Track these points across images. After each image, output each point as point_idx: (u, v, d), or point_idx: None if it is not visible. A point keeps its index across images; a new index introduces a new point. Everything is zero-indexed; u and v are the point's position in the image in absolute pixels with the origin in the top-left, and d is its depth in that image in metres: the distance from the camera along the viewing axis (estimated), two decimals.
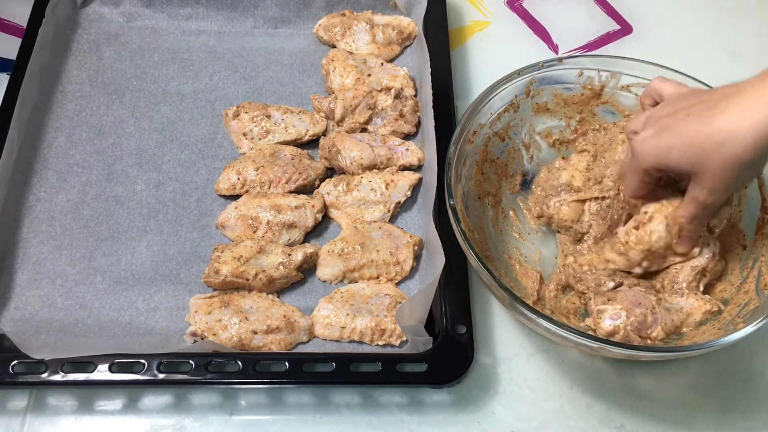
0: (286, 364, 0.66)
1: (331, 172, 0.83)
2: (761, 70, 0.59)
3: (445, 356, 0.68)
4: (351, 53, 0.91)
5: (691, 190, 0.63)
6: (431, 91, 0.81)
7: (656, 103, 0.68)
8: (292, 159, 0.81)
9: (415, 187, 0.81)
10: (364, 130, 0.85)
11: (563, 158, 0.81)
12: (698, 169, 0.60)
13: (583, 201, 0.77)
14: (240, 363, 0.66)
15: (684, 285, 0.70)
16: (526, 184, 0.81)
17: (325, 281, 0.76)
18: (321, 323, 0.72)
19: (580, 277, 0.72)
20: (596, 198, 0.76)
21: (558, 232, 0.78)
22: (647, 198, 0.69)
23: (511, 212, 0.79)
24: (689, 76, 0.77)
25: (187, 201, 0.80)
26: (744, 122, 0.56)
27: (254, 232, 0.77)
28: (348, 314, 0.71)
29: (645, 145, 0.63)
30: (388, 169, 0.81)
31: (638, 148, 0.64)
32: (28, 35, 0.86)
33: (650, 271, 0.71)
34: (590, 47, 0.97)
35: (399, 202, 0.79)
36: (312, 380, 0.67)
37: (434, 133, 0.79)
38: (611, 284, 0.71)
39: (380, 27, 0.92)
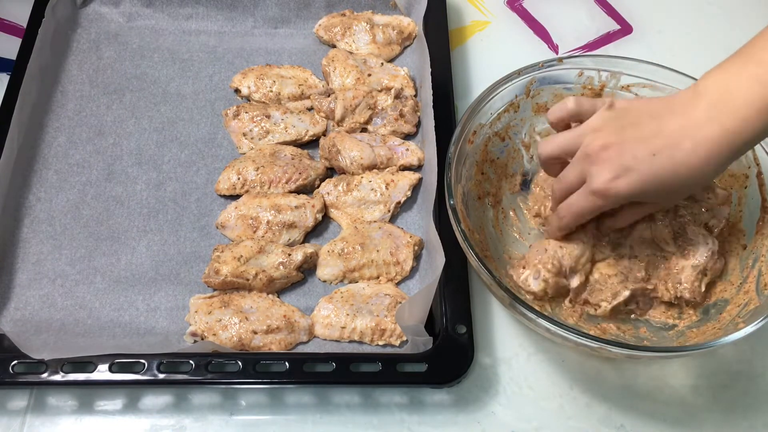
0: (286, 364, 0.66)
1: (331, 172, 0.83)
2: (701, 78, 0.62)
3: (445, 356, 0.68)
4: (351, 53, 0.91)
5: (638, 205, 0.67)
6: (431, 91, 0.81)
7: (567, 126, 0.68)
8: (292, 159, 0.81)
9: (415, 187, 0.81)
10: (364, 130, 0.85)
11: None
12: (663, 198, 0.66)
13: None
14: (240, 363, 0.66)
15: (687, 285, 0.70)
16: (526, 184, 0.81)
17: (325, 281, 0.76)
18: (321, 323, 0.72)
19: (592, 288, 0.71)
20: None
21: None
22: None
23: (511, 212, 0.79)
24: (689, 76, 0.77)
25: (187, 201, 0.80)
26: (707, 159, 0.59)
27: (254, 232, 0.77)
28: (348, 314, 0.71)
29: (619, 190, 0.62)
30: (388, 169, 0.81)
31: (610, 193, 0.62)
32: (28, 35, 0.86)
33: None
34: (590, 47, 0.97)
35: (399, 202, 0.80)
36: (312, 380, 0.67)
37: (434, 133, 0.79)
38: (626, 293, 0.70)
39: (380, 27, 0.92)
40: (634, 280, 0.71)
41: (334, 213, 0.80)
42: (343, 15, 0.94)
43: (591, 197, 0.64)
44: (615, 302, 0.70)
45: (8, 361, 0.65)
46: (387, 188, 0.79)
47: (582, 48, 0.97)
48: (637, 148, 0.61)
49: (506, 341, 0.74)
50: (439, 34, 0.90)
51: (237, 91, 0.88)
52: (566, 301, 0.72)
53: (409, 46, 0.93)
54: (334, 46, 0.93)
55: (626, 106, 0.64)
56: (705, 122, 0.60)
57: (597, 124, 0.64)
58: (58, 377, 0.65)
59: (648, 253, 0.73)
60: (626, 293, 0.70)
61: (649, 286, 0.72)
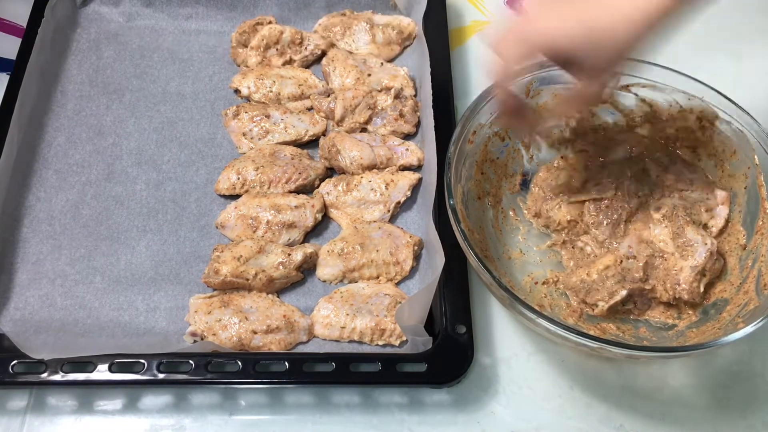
0: (286, 364, 0.66)
1: (331, 172, 0.83)
2: None
3: (445, 356, 0.68)
4: (351, 53, 0.91)
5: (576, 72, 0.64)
6: (431, 91, 0.81)
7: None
8: (292, 159, 0.81)
9: (415, 187, 0.81)
10: (364, 130, 0.85)
11: (562, 158, 0.81)
12: (593, 45, 0.60)
13: (581, 202, 0.77)
14: (240, 363, 0.66)
15: (685, 286, 0.70)
16: (526, 183, 0.81)
17: (325, 281, 0.76)
18: (321, 323, 0.72)
19: (589, 288, 0.72)
20: (594, 199, 0.77)
21: (554, 232, 0.78)
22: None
23: (511, 212, 0.79)
24: (689, 77, 0.77)
25: (187, 201, 0.80)
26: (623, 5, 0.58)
27: (254, 232, 0.77)
28: (348, 314, 0.71)
29: (538, 23, 0.63)
30: (388, 169, 0.81)
31: (531, 26, 0.63)
32: (28, 35, 0.86)
33: None
34: None
35: (399, 202, 0.79)
36: (312, 380, 0.67)
37: (434, 133, 0.79)
38: (624, 292, 0.70)
39: (380, 27, 0.92)
40: (632, 280, 0.71)
41: (333, 213, 0.80)
42: (343, 15, 0.94)
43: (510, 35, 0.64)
44: (612, 302, 0.70)
45: (8, 361, 0.65)
46: (387, 188, 0.79)
47: None
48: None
49: (506, 341, 0.74)
50: (439, 34, 0.90)
51: (237, 91, 0.88)
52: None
53: (409, 46, 0.93)
54: (334, 46, 0.93)
55: None
56: None
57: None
58: (57, 377, 0.65)
59: (647, 253, 0.73)
60: (623, 293, 0.70)
61: (647, 287, 0.72)
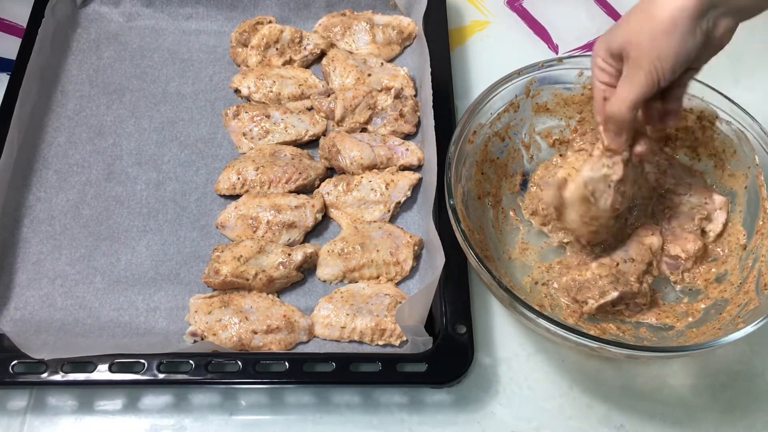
0: (286, 364, 0.66)
1: (331, 172, 0.84)
2: None
3: (445, 356, 0.68)
4: (351, 53, 0.91)
5: (622, 75, 0.64)
6: (431, 91, 0.82)
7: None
8: (292, 159, 0.81)
9: (415, 187, 0.81)
10: (364, 130, 0.85)
11: (560, 156, 0.81)
12: (629, 43, 0.62)
13: None
14: (240, 363, 0.66)
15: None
16: (526, 184, 0.81)
17: (325, 281, 0.76)
18: (321, 323, 0.72)
19: (581, 286, 0.71)
20: None
21: (552, 232, 0.78)
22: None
23: (511, 212, 0.79)
24: None
25: (187, 201, 0.80)
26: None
27: (254, 232, 0.77)
28: (348, 314, 0.71)
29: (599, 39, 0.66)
30: (388, 169, 0.81)
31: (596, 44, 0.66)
32: (28, 35, 0.86)
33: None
34: (590, 47, 0.97)
35: (399, 202, 0.80)
36: (312, 380, 0.67)
37: (434, 133, 0.79)
38: (615, 294, 0.70)
39: (380, 27, 0.92)
40: (626, 283, 0.71)
41: (334, 213, 0.80)
42: (343, 15, 0.94)
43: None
44: (602, 301, 0.70)
45: (8, 361, 0.65)
46: (387, 188, 0.79)
47: (582, 48, 0.97)
48: None
49: (506, 341, 0.74)
50: (439, 34, 0.90)
51: (237, 91, 0.88)
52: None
53: (409, 46, 0.93)
54: (334, 46, 0.93)
55: None
56: None
57: None
58: (58, 377, 0.65)
59: (647, 260, 0.73)
60: (614, 294, 0.70)
61: (638, 292, 0.71)
